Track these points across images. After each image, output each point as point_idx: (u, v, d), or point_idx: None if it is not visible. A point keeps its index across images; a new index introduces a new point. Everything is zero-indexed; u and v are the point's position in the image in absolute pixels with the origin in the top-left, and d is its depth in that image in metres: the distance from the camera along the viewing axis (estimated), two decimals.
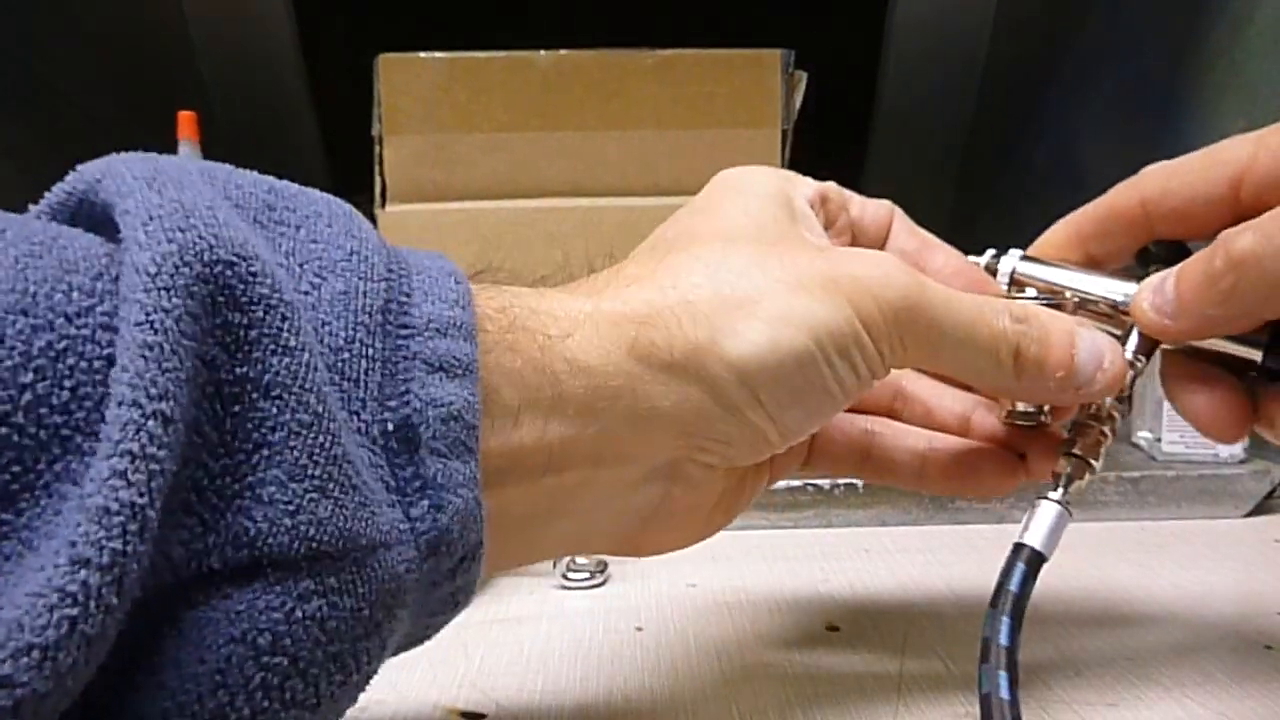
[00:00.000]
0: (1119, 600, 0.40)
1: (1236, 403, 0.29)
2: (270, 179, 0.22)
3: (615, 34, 0.65)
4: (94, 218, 0.19)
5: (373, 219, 0.62)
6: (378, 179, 0.62)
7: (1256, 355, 0.28)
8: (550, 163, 0.63)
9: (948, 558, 0.45)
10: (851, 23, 1.04)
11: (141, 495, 0.16)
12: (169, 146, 0.65)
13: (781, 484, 0.49)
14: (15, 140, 0.78)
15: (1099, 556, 0.45)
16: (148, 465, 0.16)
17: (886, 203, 0.32)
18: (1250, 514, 0.51)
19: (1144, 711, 0.31)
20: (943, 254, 0.31)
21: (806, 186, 0.30)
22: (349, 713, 0.20)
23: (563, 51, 0.63)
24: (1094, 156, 0.86)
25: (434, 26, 0.91)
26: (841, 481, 0.49)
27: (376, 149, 0.62)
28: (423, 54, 0.62)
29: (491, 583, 0.41)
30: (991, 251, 0.32)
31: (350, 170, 0.74)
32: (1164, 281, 0.28)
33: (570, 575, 0.41)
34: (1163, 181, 0.30)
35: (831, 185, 0.30)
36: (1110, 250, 0.31)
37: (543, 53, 0.63)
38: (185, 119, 0.64)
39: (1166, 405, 0.51)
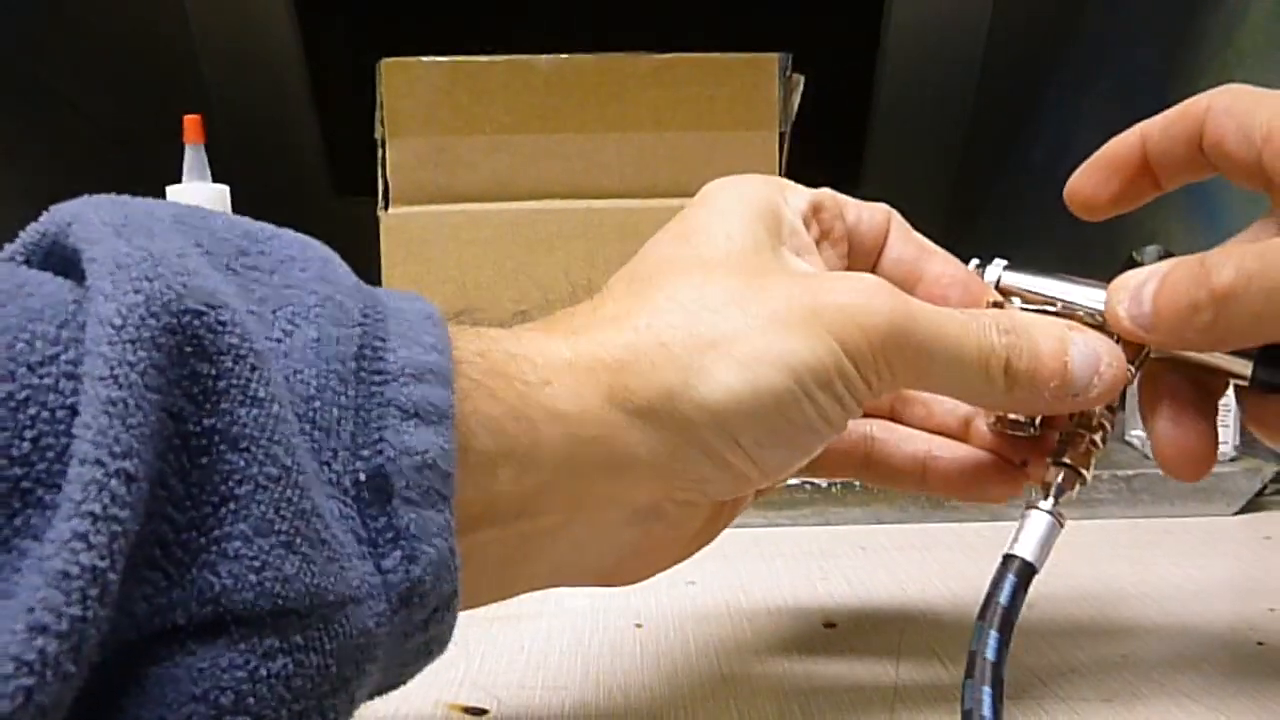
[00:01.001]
0: (1113, 597, 0.40)
1: (1201, 440, 0.28)
2: (246, 222, 0.21)
3: (615, 38, 0.66)
4: (65, 261, 0.19)
5: (376, 221, 0.63)
6: (380, 182, 0.63)
7: (1246, 367, 0.27)
8: (551, 165, 0.63)
9: (944, 555, 0.45)
10: (849, 26, 1.05)
11: (103, 558, 0.15)
12: (173, 149, 0.66)
13: None
14: (15, 141, 0.78)
15: (1093, 554, 0.45)
16: (109, 526, 0.15)
17: (883, 207, 0.31)
18: (1241, 511, 0.51)
19: (1138, 706, 0.31)
20: (940, 261, 0.31)
21: (798, 197, 0.29)
22: None
23: (563, 55, 0.63)
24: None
25: (435, 31, 0.92)
26: (839, 480, 0.50)
27: (379, 152, 0.62)
28: (424, 58, 0.62)
29: None
30: (975, 261, 0.31)
31: (353, 173, 0.74)
32: (1141, 288, 0.27)
33: None
34: (1230, 99, 0.28)
35: (826, 193, 0.30)
36: (1170, 158, 0.30)
37: (543, 56, 0.63)
38: (191, 123, 0.64)
39: None
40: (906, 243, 0.31)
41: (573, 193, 0.64)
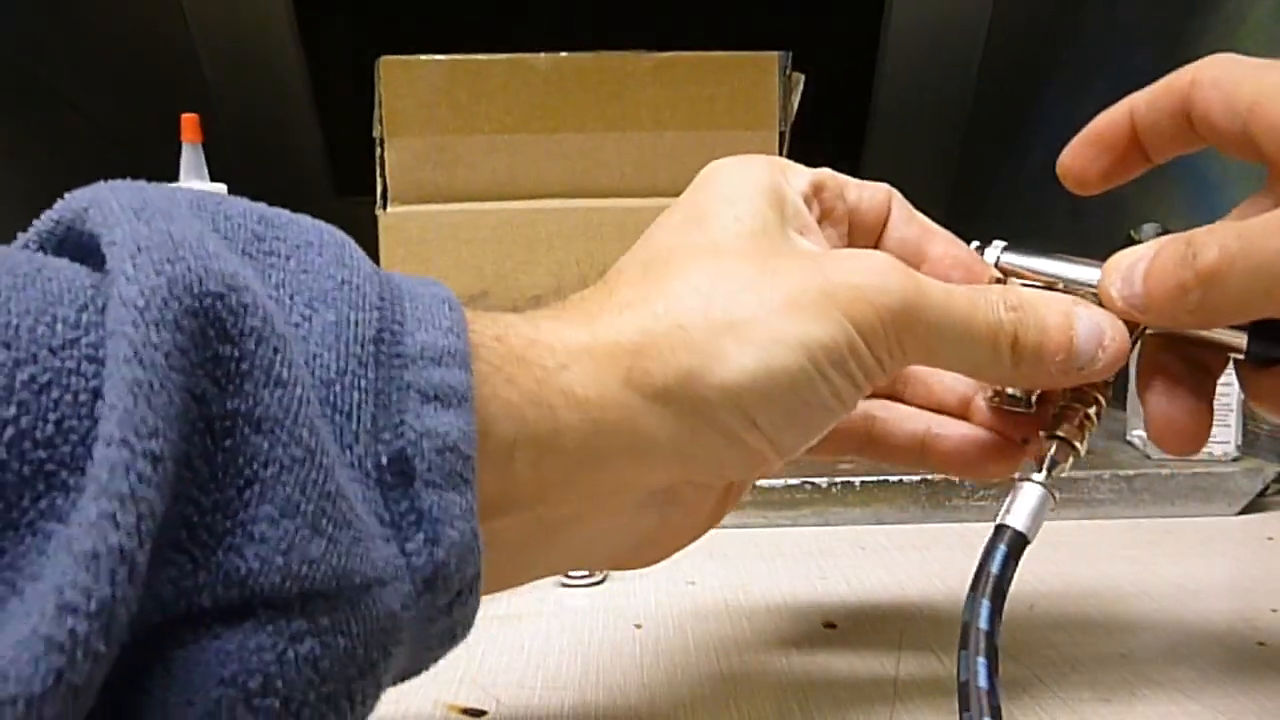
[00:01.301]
0: (1113, 597, 0.40)
1: (1193, 416, 0.28)
2: (261, 207, 0.21)
3: (614, 37, 0.66)
4: (81, 247, 0.19)
5: (374, 221, 0.63)
6: (379, 181, 0.63)
7: (1241, 340, 0.28)
8: (550, 164, 0.63)
9: (944, 555, 0.45)
10: (849, 25, 1.05)
11: (130, 538, 0.15)
12: (172, 149, 0.66)
13: (779, 482, 0.49)
14: (15, 141, 0.78)
15: (1093, 554, 0.45)
16: (137, 507, 0.15)
17: (884, 186, 0.31)
18: (1243, 512, 0.51)
19: (1138, 706, 0.31)
20: (942, 242, 0.31)
21: (800, 177, 0.29)
22: None
23: (562, 54, 0.63)
24: None
25: (434, 29, 0.92)
26: (839, 479, 0.50)
27: (378, 151, 0.63)
28: (423, 56, 0.63)
29: None
30: (975, 243, 0.31)
31: (352, 172, 0.74)
32: (1133, 269, 0.27)
33: (570, 573, 0.41)
34: (1217, 71, 0.28)
35: (826, 173, 0.30)
36: (1158, 131, 0.30)
37: (542, 55, 0.63)
38: (189, 121, 0.64)
39: None
40: (909, 223, 0.31)
41: (572, 192, 0.64)
